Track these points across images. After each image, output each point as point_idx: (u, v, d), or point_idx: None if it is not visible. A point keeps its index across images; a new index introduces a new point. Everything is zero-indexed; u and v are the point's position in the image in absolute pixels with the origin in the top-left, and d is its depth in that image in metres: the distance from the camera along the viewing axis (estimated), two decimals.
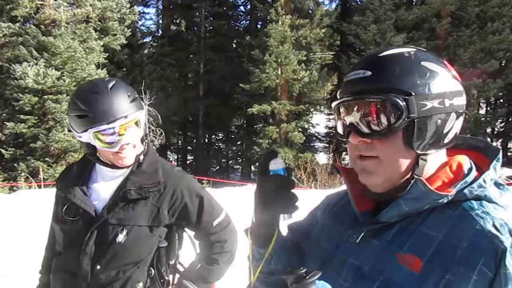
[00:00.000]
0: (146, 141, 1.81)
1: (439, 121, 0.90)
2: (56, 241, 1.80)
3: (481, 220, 0.85)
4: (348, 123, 0.95)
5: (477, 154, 1.00)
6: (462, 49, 17.49)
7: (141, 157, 1.78)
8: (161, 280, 1.75)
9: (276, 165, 1.00)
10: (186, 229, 1.88)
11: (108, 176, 1.78)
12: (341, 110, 0.97)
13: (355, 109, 0.94)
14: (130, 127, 1.67)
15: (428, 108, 0.89)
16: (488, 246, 0.81)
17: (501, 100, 21.78)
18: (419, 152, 0.91)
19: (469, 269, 0.80)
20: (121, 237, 1.66)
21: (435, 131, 0.91)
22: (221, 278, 1.92)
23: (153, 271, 1.73)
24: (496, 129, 20.90)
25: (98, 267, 1.66)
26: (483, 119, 19.37)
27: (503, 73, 18.06)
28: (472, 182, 0.91)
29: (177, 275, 1.86)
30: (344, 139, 0.96)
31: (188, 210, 1.78)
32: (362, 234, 0.96)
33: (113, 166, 1.74)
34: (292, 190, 0.99)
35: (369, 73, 0.91)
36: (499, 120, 20.67)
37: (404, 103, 0.87)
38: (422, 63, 0.92)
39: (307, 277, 0.82)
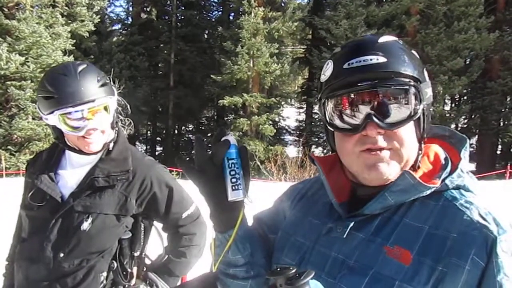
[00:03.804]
0: (117, 128, 1.77)
1: (431, 108, 0.92)
2: (22, 228, 1.75)
3: (467, 210, 0.85)
4: (365, 114, 0.87)
5: (441, 142, 1.00)
6: (430, 46, 17.94)
7: (111, 145, 1.74)
8: (124, 273, 1.72)
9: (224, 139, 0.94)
10: (154, 221, 1.84)
11: (77, 163, 1.73)
12: (352, 99, 0.89)
13: (374, 97, 0.87)
14: (98, 112, 1.63)
15: (428, 96, 0.91)
16: (478, 236, 0.81)
17: (465, 97, 22.51)
18: (422, 140, 0.92)
19: (461, 260, 0.81)
20: (85, 225, 1.62)
21: (430, 119, 0.93)
22: (188, 272, 1.89)
23: (115, 264, 1.69)
24: (459, 125, 21.58)
25: (61, 255, 1.63)
26: (447, 115, 19.95)
27: (467, 71, 18.65)
28: (450, 172, 0.91)
29: (144, 268, 1.83)
30: (348, 132, 0.90)
31: (156, 200, 1.74)
32: (349, 228, 0.92)
33: (80, 152, 1.69)
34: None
35: (383, 59, 0.86)
36: (463, 117, 21.34)
37: (419, 90, 0.88)
38: (412, 51, 0.92)
39: (301, 278, 0.76)
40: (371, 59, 0.87)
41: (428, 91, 0.90)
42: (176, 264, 1.82)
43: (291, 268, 0.78)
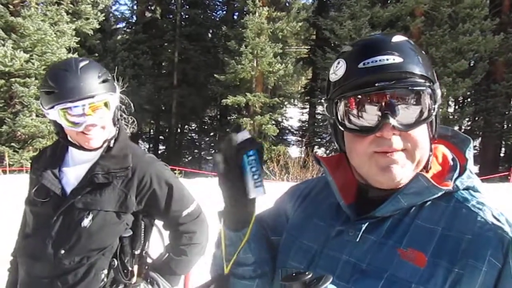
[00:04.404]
0: (118, 125, 1.77)
1: (440, 108, 0.92)
2: (26, 224, 1.76)
3: (480, 211, 0.85)
4: (381, 115, 0.85)
5: (444, 143, 0.99)
6: (434, 48, 17.89)
7: (112, 142, 1.74)
8: (125, 271, 1.71)
9: (243, 136, 0.92)
10: (155, 219, 1.83)
11: (79, 160, 1.74)
12: (367, 100, 0.87)
13: (390, 98, 0.85)
14: (99, 108, 1.64)
15: (439, 97, 0.90)
16: (493, 238, 0.81)
17: (469, 99, 22.42)
18: (432, 141, 0.92)
19: (478, 261, 0.80)
20: (86, 222, 1.63)
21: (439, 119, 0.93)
22: (189, 271, 1.88)
23: (116, 262, 1.69)
24: (463, 127, 21.51)
25: (62, 251, 1.63)
26: (451, 117, 19.89)
27: (471, 73, 18.58)
28: (459, 173, 0.91)
29: (146, 267, 1.83)
30: (363, 133, 0.88)
31: (156, 198, 1.73)
32: (362, 231, 0.90)
33: (81, 147, 1.70)
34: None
35: (399, 59, 0.85)
36: (467, 119, 21.27)
37: (433, 90, 0.88)
38: (422, 51, 0.92)
39: (319, 283, 0.73)
40: (387, 59, 0.85)
41: (439, 92, 0.89)
42: (177, 263, 1.81)
43: (307, 273, 0.76)
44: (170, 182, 1.77)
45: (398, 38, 0.90)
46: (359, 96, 0.87)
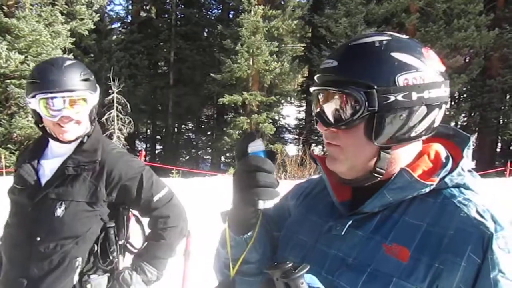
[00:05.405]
0: (94, 124, 1.91)
1: (403, 115, 0.88)
2: (10, 213, 1.90)
3: (464, 207, 0.86)
4: (315, 112, 0.97)
5: (445, 141, 1.00)
6: (430, 44, 17.92)
7: (86, 138, 1.87)
8: (107, 259, 1.82)
9: (255, 147, 0.92)
10: (132, 211, 1.95)
11: (57, 153, 1.88)
12: (316, 98, 0.98)
13: (321, 98, 0.96)
14: (77, 103, 1.77)
15: (390, 102, 0.87)
16: (475, 233, 0.82)
17: (465, 95, 22.51)
18: (379, 145, 0.91)
19: (458, 257, 0.81)
20: (59, 211, 1.76)
21: (398, 125, 0.89)
22: (173, 255, 1.97)
23: (96, 247, 1.80)
24: (459, 123, 21.59)
25: (38, 239, 1.76)
26: (447, 113, 19.96)
27: (467, 68, 18.64)
28: (451, 170, 0.91)
29: (128, 255, 1.93)
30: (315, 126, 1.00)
31: (127, 189, 1.85)
32: (348, 225, 0.93)
33: (57, 139, 1.83)
34: (272, 174, 0.91)
35: (335, 63, 0.91)
36: (463, 115, 21.36)
37: (365, 96, 0.87)
38: (392, 53, 0.89)
39: (295, 271, 0.79)
40: (327, 63, 0.93)
41: (391, 97, 0.87)
42: (157, 247, 1.92)
43: (287, 262, 0.81)
44: (138, 172, 1.89)
45: (359, 41, 0.93)
46: (314, 94, 0.99)
